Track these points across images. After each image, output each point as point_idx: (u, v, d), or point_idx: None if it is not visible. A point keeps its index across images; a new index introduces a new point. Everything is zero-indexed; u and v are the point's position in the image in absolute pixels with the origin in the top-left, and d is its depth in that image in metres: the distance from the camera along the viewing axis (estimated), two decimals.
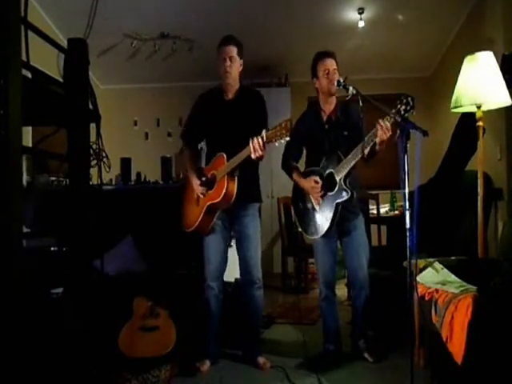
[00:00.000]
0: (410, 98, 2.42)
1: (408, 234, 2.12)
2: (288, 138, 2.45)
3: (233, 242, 3.05)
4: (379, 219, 4.68)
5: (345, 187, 2.76)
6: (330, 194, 2.82)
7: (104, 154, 2.51)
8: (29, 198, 3.96)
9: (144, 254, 3.77)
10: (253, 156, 2.56)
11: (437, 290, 2.37)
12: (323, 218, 2.83)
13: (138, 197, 4.35)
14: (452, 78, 3.29)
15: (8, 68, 1.56)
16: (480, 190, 2.93)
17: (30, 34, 1.95)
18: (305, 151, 3.09)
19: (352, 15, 5.25)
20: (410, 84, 6.18)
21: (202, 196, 2.84)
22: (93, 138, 2.43)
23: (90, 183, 2.41)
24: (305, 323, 3.84)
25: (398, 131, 2.19)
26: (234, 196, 2.73)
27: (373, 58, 5.99)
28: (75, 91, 2.28)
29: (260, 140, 2.51)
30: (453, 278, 2.45)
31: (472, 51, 3.06)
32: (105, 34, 4.93)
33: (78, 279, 2.28)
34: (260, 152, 2.53)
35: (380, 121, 2.55)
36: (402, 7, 5.09)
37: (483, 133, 3.01)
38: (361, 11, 5.16)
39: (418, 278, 2.46)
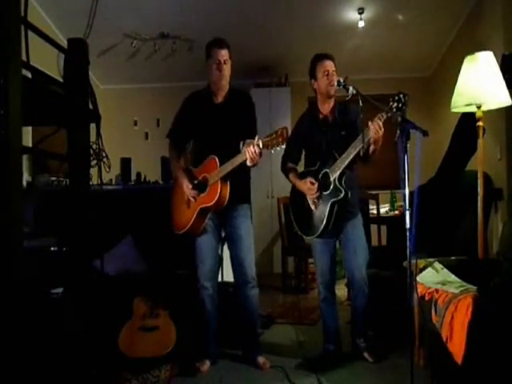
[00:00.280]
0: (402, 95, 2.43)
1: (408, 234, 2.12)
2: (284, 146, 2.48)
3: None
4: (379, 219, 4.68)
5: (339, 186, 2.76)
6: (324, 193, 2.83)
7: (104, 154, 2.51)
8: (29, 198, 3.97)
9: (144, 254, 3.77)
10: (249, 163, 2.60)
11: (437, 290, 2.37)
12: (319, 218, 2.84)
13: (137, 197, 4.36)
14: (452, 78, 3.29)
15: (8, 68, 1.56)
16: (480, 190, 2.93)
17: (30, 34, 1.95)
18: (304, 152, 3.10)
19: (352, 15, 5.24)
20: (410, 84, 6.18)
21: (192, 199, 2.84)
22: (93, 138, 2.43)
23: (90, 183, 2.41)
24: (305, 323, 3.84)
25: (398, 131, 2.19)
26: (227, 200, 2.74)
27: (373, 58, 5.99)
28: (75, 91, 2.28)
29: (256, 148, 2.53)
30: (453, 277, 2.46)
31: (472, 51, 3.06)
32: (105, 34, 4.93)
33: (78, 279, 2.28)
34: (257, 159, 2.57)
35: (372, 121, 2.56)
36: (402, 7, 5.09)
37: (483, 133, 3.00)
38: (361, 11, 5.16)
39: (418, 278, 2.46)
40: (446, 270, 2.53)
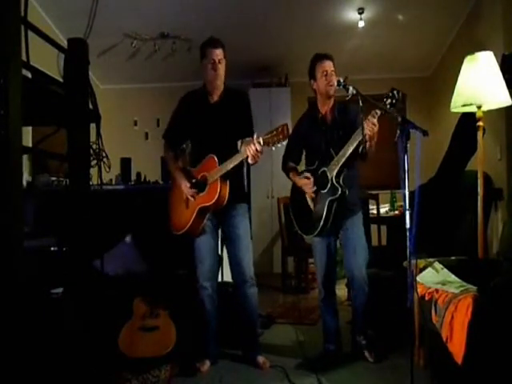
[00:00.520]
0: (395, 92, 2.45)
1: (408, 234, 2.12)
2: (284, 143, 2.48)
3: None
4: (379, 219, 4.69)
5: (336, 185, 2.77)
6: (322, 191, 2.84)
7: (104, 154, 2.51)
8: (29, 198, 3.96)
9: (144, 254, 3.77)
10: (251, 161, 2.60)
11: (437, 290, 2.37)
12: (317, 217, 2.84)
13: (137, 197, 4.35)
14: (452, 78, 3.29)
15: (8, 68, 1.56)
16: (480, 189, 2.93)
17: (30, 34, 1.95)
18: (304, 152, 3.10)
19: (352, 15, 5.25)
20: (410, 84, 6.19)
21: (192, 199, 2.84)
22: (93, 138, 2.43)
23: (90, 183, 2.41)
24: (305, 323, 3.84)
25: (398, 131, 2.19)
26: (226, 199, 2.74)
27: (373, 58, 5.99)
28: (75, 91, 2.28)
29: (257, 146, 2.53)
30: (453, 277, 2.46)
31: (472, 51, 3.06)
32: (105, 34, 4.93)
33: (78, 279, 2.28)
34: (259, 156, 2.57)
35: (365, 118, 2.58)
36: (402, 7, 5.09)
37: (483, 133, 3.00)
38: (361, 11, 5.16)
39: (418, 278, 2.46)
40: (445, 269, 2.53)
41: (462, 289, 2.25)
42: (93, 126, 2.44)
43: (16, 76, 1.62)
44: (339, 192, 2.76)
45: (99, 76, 6.34)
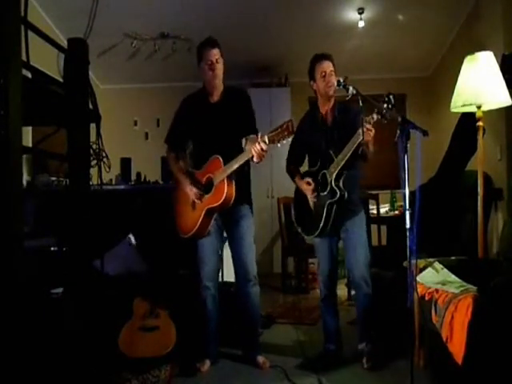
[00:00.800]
0: (391, 96, 2.47)
1: (408, 233, 2.12)
2: (290, 139, 2.46)
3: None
4: (379, 219, 4.69)
5: (335, 188, 2.78)
6: (322, 194, 2.86)
7: (104, 154, 2.51)
8: (29, 198, 3.96)
9: (144, 254, 3.77)
10: (256, 160, 2.58)
11: (437, 290, 2.37)
12: (318, 218, 2.86)
13: (138, 197, 4.35)
14: (452, 78, 3.29)
15: (8, 68, 1.56)
16: (480, 189, 2.93)
17: (30, 34, 1.95)
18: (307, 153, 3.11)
19: (352, 15, 5.24)
20: (410, 84, 6.20)
21: (198, 201, 2.82)
22: (93, 138, 2.43)
23: (90, 183, 2.41)
24: (305, 323, 3.84)
25: (398, 131, 2.20)
26: (233, 199, 2.73)
27: (373, 58, 5.99)
28: (75, 91, 2.28)
29: (262, 145, 2.51)
30: (453, 277, 2.46)
31: (472, 51, 3.06)
32: (105, 34, 4.91)
33: (78, 279, 2.28)
34: (264, 155, 2.55)
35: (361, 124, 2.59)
36: (402, 7, 5.09)
37: (483, 133, 3.00)
38: (361, 11, 5.16)
39: (418, 278, 2.46)
40: (445, 269, 2.53)
41: (462, 289, 2.25)
42: (93, 126, 2.44)
43: (16, 76, 1.62)
44: (338, 195, 2.77)
45: (99, 76, 6.34)
